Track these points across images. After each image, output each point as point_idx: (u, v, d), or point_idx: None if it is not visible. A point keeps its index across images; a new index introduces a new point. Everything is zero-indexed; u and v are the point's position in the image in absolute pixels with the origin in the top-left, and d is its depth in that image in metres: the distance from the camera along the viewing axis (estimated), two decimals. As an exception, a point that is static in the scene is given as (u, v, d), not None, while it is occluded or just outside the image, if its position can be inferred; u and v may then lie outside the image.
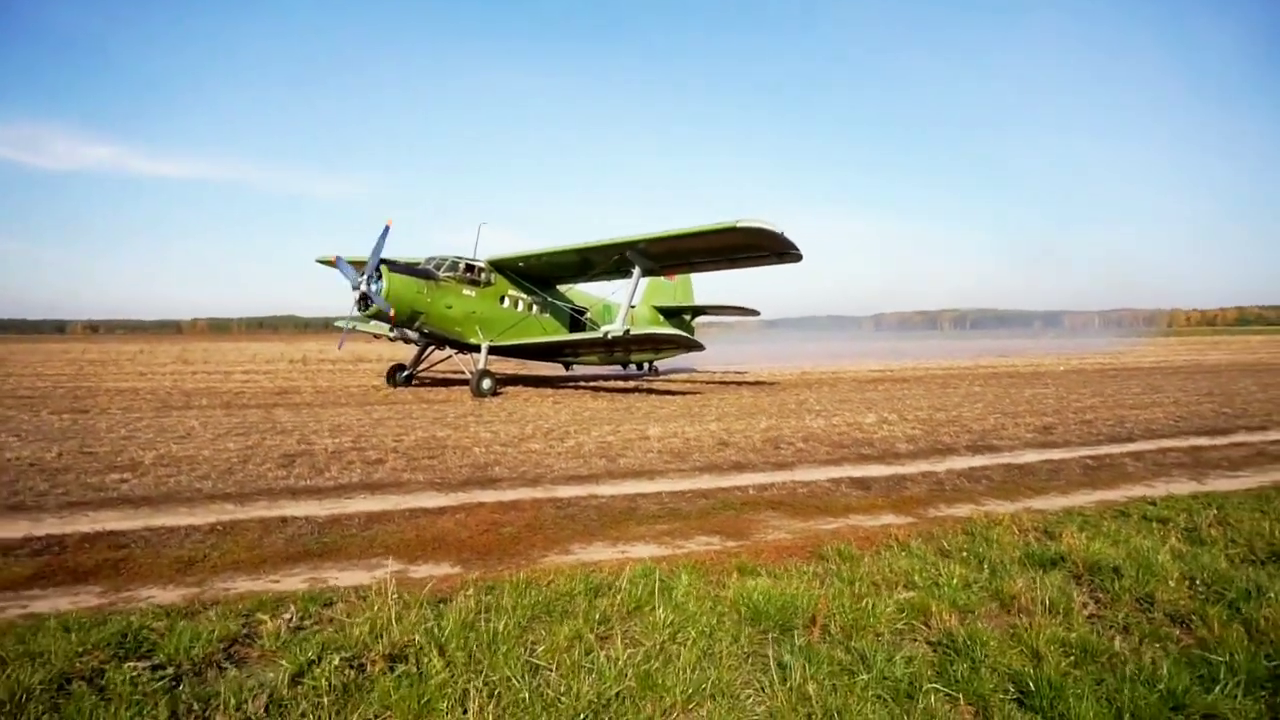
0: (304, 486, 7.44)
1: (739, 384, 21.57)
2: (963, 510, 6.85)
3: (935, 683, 3.32)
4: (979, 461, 9.05)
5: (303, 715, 3.03)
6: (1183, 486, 7.66)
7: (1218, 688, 3.26)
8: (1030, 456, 9.35)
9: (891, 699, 3.20)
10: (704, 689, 3.22)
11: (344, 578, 4.97)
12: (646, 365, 24.49)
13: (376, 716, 3.06)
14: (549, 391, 18.69)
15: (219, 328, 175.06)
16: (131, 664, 3.47)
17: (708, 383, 21.99)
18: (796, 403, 15.61)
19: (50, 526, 6.00)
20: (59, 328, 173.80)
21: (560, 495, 7.24)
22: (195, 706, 3.11)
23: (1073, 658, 3.57)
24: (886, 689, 3.27)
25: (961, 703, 3.21)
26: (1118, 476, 8.32)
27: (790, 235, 15.25)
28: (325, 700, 3.10)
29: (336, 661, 3.39)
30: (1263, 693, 3.28)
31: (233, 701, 3.09)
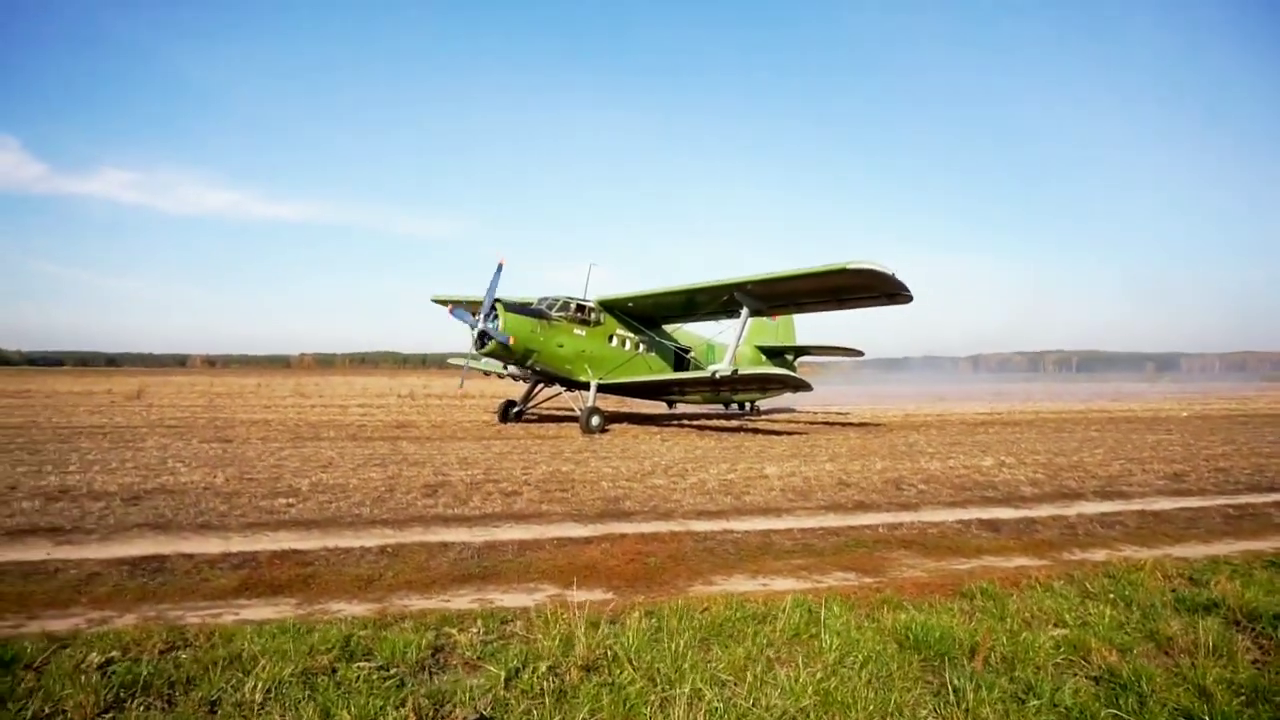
0: (452, 515, 8.00)
1: (844, 424, 21.55)
2: (1099, 555, 6.87)
3: (1110, 709, 3.50)
4: (1109, 507, 8.97)
5: (525, 712, 3.44)
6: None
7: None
8: (1164, 504, 9.19)
9: (1066, 724, 3.40)
10: (885, 707, 3.50)
11: (507, 599, 5.40)
12: (749, 405, 24.73)
13: (587, 717, 3.44)
14: (654, 429, 19.12)
15: (324, 362, 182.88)
16: (359, 664, 3.97)
17: (810, 423, 22.03)
18: (907, 445, 15.57)
19: (239, 544, 6.67)
20: (180, 361, 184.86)
21: (695, 529, 7.58)
22: (424, 702, 3.55)
23: (1243, 697, 3.68)
24: (1058, 715, 3.48)
25: (1136, 730, 3.38)
26: (1263, 526, 8.14)
27: (901, 277, 15.36)
28: (545, 700, 3.51)
29: (542, 669, 3.81)
30: None
31: (463, 698, 3.54)
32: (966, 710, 3.47)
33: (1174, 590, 5.50)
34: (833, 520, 8.14)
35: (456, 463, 11.65)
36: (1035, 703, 3.56)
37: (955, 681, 3.72)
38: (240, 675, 3.73)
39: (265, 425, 18.28)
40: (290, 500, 8.46)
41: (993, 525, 7.99)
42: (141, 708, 3.45)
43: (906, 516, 8.35)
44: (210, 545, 6.62)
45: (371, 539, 6.94)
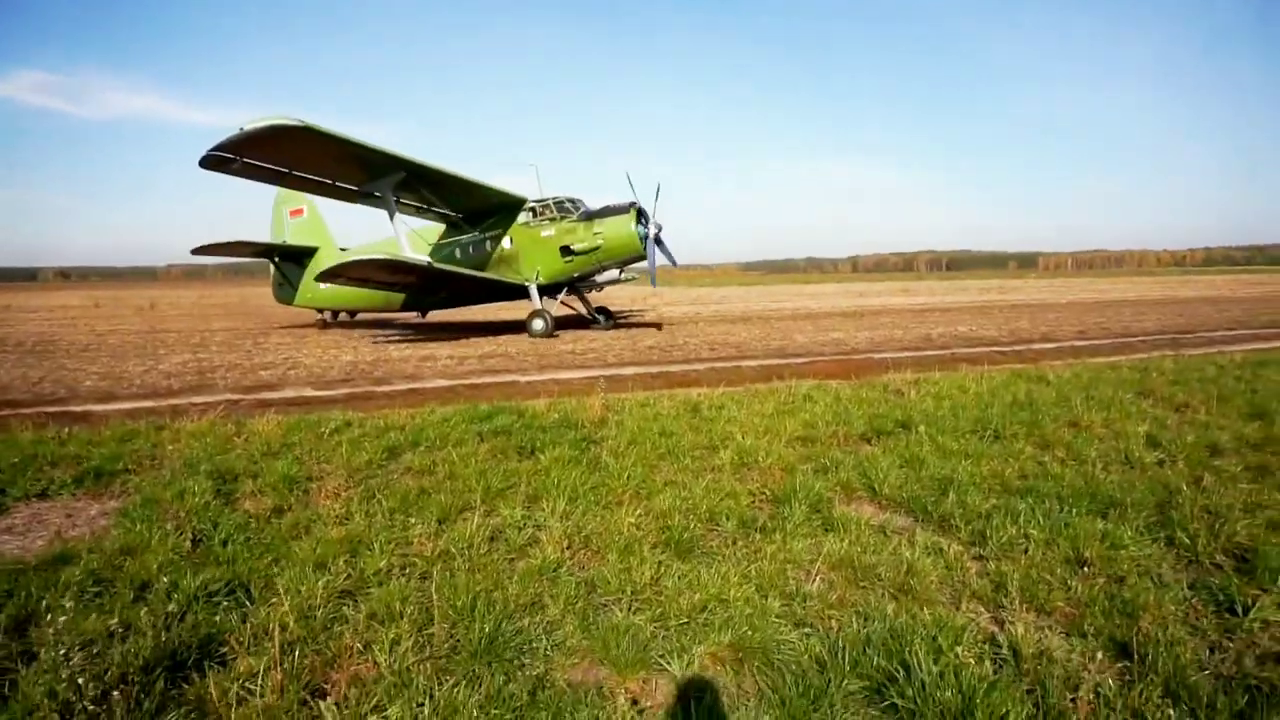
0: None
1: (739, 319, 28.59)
2: (1056, 361, 13.91)
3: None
4: (1052, 346, 16.18)
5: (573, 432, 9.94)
6: (1121, 357, 14.83)
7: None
8: (1080, 343, 16.51)
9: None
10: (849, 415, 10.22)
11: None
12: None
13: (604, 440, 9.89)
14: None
15: (194, 274, 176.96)
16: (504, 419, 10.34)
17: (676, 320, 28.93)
18: (917, 320, 22.69)
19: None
20: (30, 275, 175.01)
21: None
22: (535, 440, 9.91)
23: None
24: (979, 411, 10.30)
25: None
26: (1134, 349, 15.51)
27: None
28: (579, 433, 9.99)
29: (582, 420, 10.30)
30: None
31: (566, 435, 9.98)
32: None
33: (1077, 372, 12.51)
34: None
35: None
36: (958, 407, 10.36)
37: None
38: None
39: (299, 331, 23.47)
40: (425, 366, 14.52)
41: (976, 349, 15.01)
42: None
43: (936, 352, 15.28)
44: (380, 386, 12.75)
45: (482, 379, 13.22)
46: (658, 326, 22.23)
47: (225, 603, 3.80)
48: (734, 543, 4.62)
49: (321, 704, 3.00)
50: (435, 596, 3.72)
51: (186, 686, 3.10)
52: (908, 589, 3.95)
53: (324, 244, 23.25)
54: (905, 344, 16.39)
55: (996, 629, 3.55)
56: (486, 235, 20.98)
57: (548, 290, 20.48)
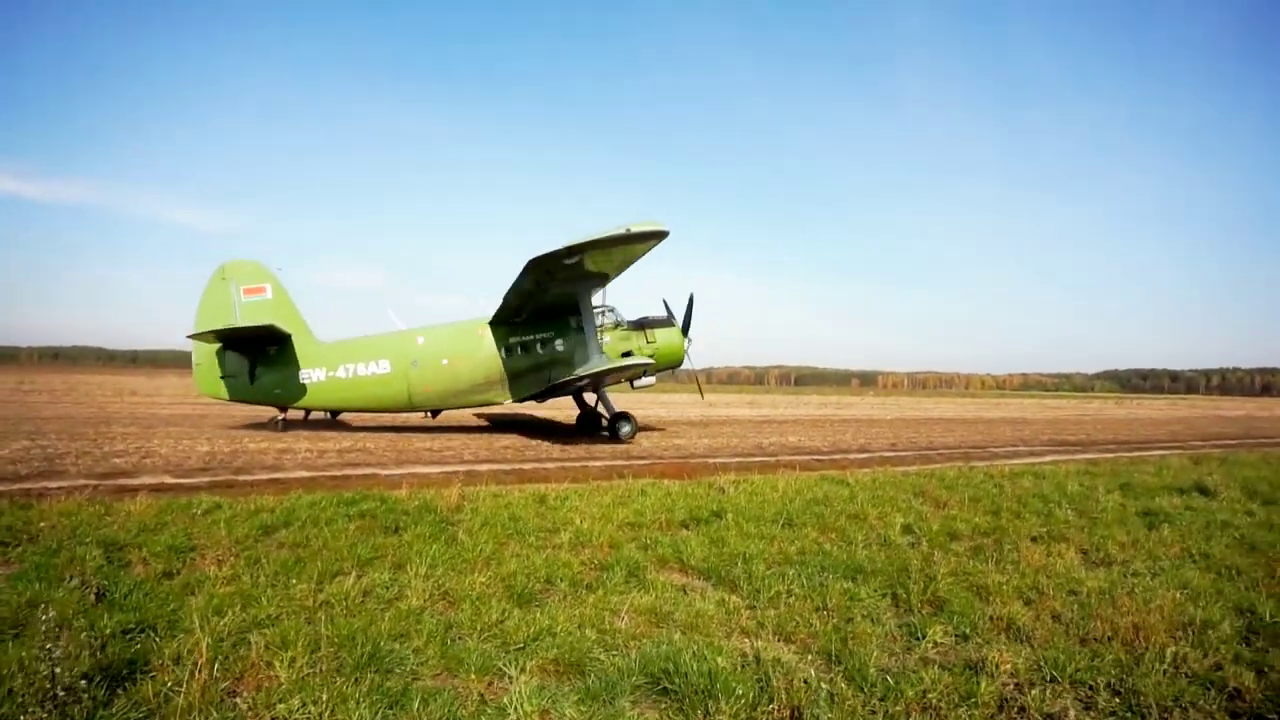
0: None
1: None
2: (866, 469, 16.01)
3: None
4: (867, 455, 18.45)
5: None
6: (917, 467, 17.28)
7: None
8: (889, 454, 18.87)
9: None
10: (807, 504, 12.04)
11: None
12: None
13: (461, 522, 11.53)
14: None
15: (7, 356, 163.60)
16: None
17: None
18: (776, 428, 24.76)
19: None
20: None
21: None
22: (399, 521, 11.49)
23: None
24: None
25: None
26: (931, 461, 17.93)
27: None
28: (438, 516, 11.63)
29: (441, 507, 11.90)
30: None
31: (427, 517, 11.54)
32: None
33: (895, 479, 14.63)
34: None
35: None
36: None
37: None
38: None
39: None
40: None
41: (794, 457, 17.03)
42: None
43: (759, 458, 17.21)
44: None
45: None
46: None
47: (139, 639, 4.65)
48: (565, 597, 5.84)
49: (237, 699, 3.97)
50: (322, 630, 4.74)
51: (121, 691, 3.98)
52: (694, 626, 5.27)
53: (298, 330, 20.30)
54: (739, 450, 18.21)
55: (750, 649, 4.90)
56: (555, 336, 21.07)
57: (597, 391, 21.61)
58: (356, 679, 4.17)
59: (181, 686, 3.92)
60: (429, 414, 22.30)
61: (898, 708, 4.08)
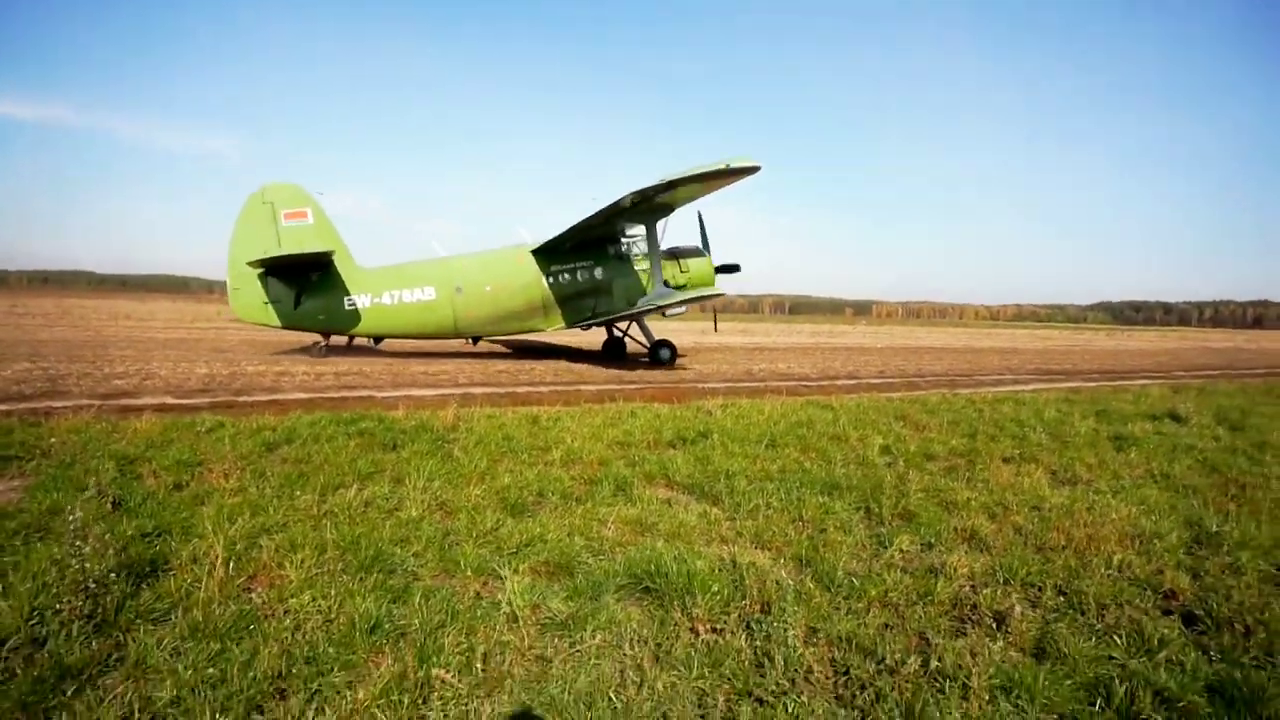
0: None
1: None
2: (852, 394, 16.39)
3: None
4: (853, 382, 18.83)
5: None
6: (903, 393, 17.67)
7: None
8: (876, 380, 19.26)
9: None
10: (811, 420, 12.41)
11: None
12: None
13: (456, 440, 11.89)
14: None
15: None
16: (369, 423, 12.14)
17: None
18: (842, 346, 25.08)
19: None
20: None
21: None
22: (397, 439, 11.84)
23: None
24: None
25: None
26: (916, 387, 18.33)
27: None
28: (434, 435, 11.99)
29: (437, 426, 12.24)
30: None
31: (423, 436, 11.89)
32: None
33: (867, 400, 15.00)
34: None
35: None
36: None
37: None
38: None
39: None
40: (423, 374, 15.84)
41: (782, 383, 17.40)
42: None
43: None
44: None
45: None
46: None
47: (156, 543, 4.99)
48: (555, 508, 6.19)
49: (252, 594, 4.32)
50: (328, 535, 5.08)
51: (145, 586, 4.32)
52: (676, 535, 5.63)
53: (341, 255, 20.07)
54: (729, 376, 18.56)
55: (727, 554, 5.26)
56: (595, 264, 21.70)
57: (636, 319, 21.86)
58: (361, 578, 4.51)
59: (200, 583, 4.26)
60: (470, 340, 22.53)
61: (860, 604, 4.45)
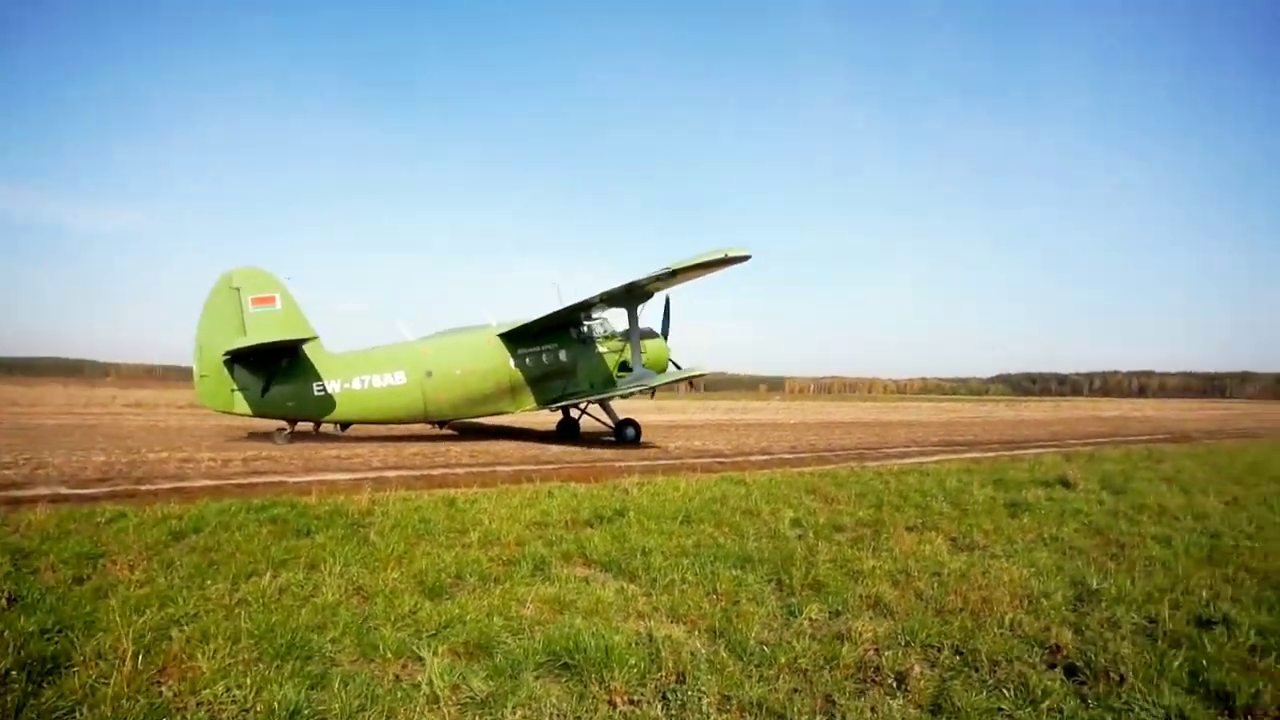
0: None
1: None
2: (764, 471, 16.82)
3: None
4: (766, 457, 19.31)
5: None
6: (813, 467, 18.28)
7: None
8: (789, 455, 19.80)
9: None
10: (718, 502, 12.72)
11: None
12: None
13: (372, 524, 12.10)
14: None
15: None
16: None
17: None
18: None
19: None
20: None
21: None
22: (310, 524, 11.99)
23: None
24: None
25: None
26: (826, 461, 18.91)
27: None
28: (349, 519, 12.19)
29: (352, 511, 12.43)
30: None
31: (338, 521, 12.06)
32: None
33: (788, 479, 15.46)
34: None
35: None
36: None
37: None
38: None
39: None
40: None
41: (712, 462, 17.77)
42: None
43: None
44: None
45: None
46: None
47: (57, 639, 4.85)
48: (474, 589, 6.24)
49: (162, 688, 4.26)
50: (242, 624, 5.04)
51: (47, 684, 4.22)
52: (594, 611, 5.75)
53: (312, 341, 19.93)
54: (645, 455, 18.80)
55: (644, 629, 5.41)
56: (559, 347, 22.43)
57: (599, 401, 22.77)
58: (278, 665, 4.49)
59: (107, 678, 4.18)
60: (436, 425, 22.69)
61: (770, 671, 4.67)
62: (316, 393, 19.69)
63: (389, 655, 4.74)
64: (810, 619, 5.73)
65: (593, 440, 22.71)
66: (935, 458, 19.53)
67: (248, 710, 3.96)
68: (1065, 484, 13.11)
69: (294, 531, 7.86)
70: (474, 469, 14.82)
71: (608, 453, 19.28)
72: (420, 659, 4.70)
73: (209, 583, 6.02)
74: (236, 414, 19.66)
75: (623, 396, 22.54)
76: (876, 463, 17.78)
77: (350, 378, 19.98)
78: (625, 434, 22.05)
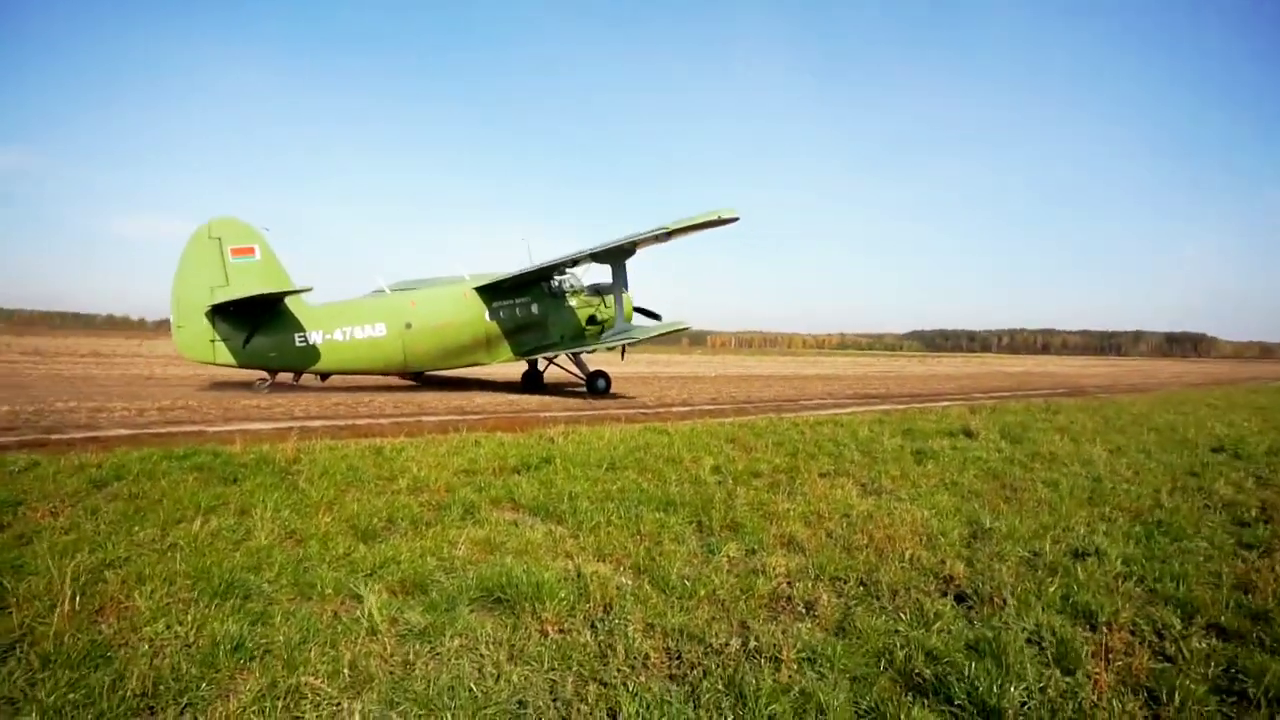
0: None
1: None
2: (687, 420, 17.29)
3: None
4: (687, 409, 19.79)
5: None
6: (733, 418, 18.91)
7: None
8: (710, 406, 20.34)
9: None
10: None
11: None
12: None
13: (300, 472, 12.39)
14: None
15: None
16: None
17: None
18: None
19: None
20: None
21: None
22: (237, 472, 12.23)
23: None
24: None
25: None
26: (744, 412, 19.51)
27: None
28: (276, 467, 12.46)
29: (278, 459, 12.69)
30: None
31: (265, 469, 12.31)
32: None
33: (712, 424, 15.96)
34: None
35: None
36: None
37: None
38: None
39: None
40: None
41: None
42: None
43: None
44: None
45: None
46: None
47: (-15, 584, 4.88)
48: (406, 533, 6.44)
49: (101, 626, 4.36)
50: (177, 566, 5.15)
51: (-17, 625, 4.28)
52: (524, 552, 6.03)
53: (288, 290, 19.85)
54: (569, 406, 19.07)
55: (572, 567, 5.72)
56: (532, 301, 23.27)
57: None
58: (217, 604, 4.64)
59: (45, 619, 4.27)
60: (410, 376, 23.42)
61: (691, 602, 5.03)
62: (298, 343, 19.92)
63: (327, 593, 4.93)
64: (729, 556, 6.13)
65: (556, 391, 23.00)
66: (849, 410, 20.33)
67: (191, 645, 4.11)
68: (968, 434, 13.92)
69: (220, 479, 7.88)
70: (399, 419, 14.82)
71: (532, 402, 19.48)
72: (358, 597, 4.90)
73: (137, 529, 6.06)
74: (219, 364, 19.60)
75: (608, 349, 23.53)
76: (793, 414, 18.43)
77: (332, 329, 20.27)
78: (596, 385, 22.80)
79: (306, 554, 5.70)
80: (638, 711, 3.60)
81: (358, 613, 4.63)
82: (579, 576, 5.36)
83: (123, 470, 8.01)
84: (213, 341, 19.21)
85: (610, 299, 23.65)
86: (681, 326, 24.09)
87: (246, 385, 20.23)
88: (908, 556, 6.12)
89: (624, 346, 23.56)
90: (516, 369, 27.15)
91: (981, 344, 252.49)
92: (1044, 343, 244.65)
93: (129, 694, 3.53)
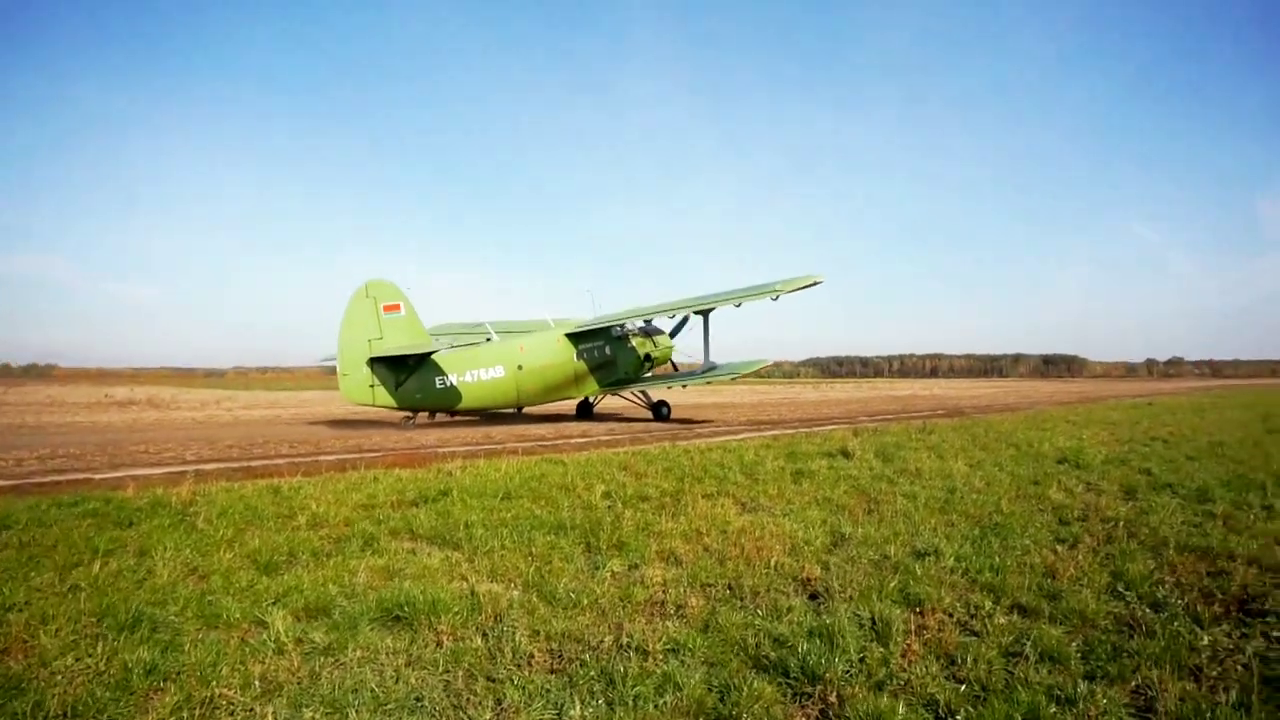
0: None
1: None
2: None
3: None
4: (585, 440, 20.33)
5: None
6: (628, 447, 19.64)
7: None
8: (606, 438, 20.93)
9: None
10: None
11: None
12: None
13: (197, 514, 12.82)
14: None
15: None
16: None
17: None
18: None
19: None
20: None
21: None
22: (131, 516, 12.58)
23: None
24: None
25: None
26: (640, 441, 20.19)
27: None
28: (172, 510, 12.86)
29: (173, 502, 13.07)
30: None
31: (161, 511, 12.67)
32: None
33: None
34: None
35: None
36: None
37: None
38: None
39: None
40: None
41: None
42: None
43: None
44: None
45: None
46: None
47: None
48: (308, 565, 6.79)
49: (9, 661, 4.62)
50: (81, 605, 5.40)
51: (-109, 667, 4.48)
52: (422, 576, 6.48)
53: (427, 343, 23.95)
54: (468, 440, 19.38)
55: (467, 587, 6.20)
56: (605, 343, 28.09)
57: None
58: (126, 636, 4.94)
59: (-46, 657, 4.51)
60: (517, 410, 28.31)
61: (575, 610, 5.61)
62: (439, 385, 23.99)
63: (234, 620, 5.28)
64: (612, 571, 6.72)
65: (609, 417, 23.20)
66: (740, 436, 21.29)
67: (103, 673, 4.42)
68: (845, 455, 14.95)
69: (115, 523, 8.00)
70: (295, 459, 14.87)
71: (429, 439, 19.69)
72: (264, 622, 5.27)
73: (33, 574, 6.23)
74: (377, 406, 23.64)
75: (684, 387, 30.14)
76: (686, 442, 19.22)
77: (463, 372, 24.31)
78: (660, 412, 27.65)
79: (210, 587, 6.01)
80: (521, 700, 4.15)
81: (264, 636, 5.00)
82: (473, 594, 5.85)
83: (9, 519, 8.02)
84: (372, 387, 23.19)
85: (658, 339, 29.52)
86: (767, 363, 28.68)
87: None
88: (773, 564, 6.86)
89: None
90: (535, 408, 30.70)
91: (874, 369, 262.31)
92: (932, 366, 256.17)
93: (51, 714, 3.85)
